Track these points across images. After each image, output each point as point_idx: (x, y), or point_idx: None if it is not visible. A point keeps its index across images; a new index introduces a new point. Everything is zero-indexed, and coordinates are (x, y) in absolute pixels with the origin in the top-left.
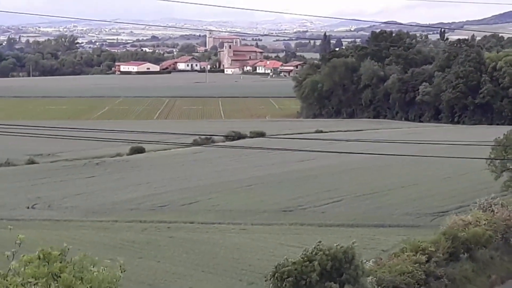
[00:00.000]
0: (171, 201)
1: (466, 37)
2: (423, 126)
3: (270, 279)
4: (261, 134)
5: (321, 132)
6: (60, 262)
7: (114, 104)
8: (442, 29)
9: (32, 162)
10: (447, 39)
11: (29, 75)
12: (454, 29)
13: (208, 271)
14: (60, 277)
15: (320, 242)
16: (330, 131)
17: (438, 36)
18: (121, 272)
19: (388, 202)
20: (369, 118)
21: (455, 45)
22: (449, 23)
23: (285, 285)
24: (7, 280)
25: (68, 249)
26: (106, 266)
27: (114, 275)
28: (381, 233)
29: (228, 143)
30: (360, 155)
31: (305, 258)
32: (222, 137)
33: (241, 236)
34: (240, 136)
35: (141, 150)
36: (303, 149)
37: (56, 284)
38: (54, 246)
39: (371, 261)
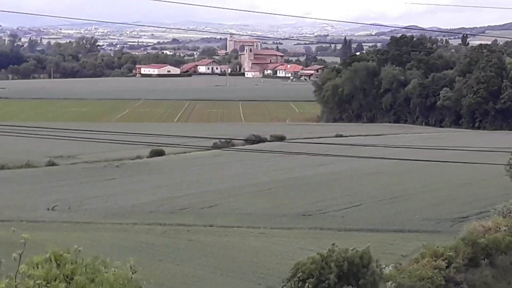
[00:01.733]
0: (191, 204)
1: (488, 42)
2: (444, 131)
3: (289, 281)
4: (281, 138)
5: (341, 136)
6: (72, 264)
7: (135, 107)
8: (464, 34)
9: (52, 164)
10: (468, 44)
11: (50, 77)
12: (475, 34)
13: (226, 275)
14: (73, 279)
15: (334, 244)
16: (350, 136)
17: (459, 41)
18: (132, 273)
19: (407, 207)
20: (389, 122)
21: (476, 50)
22: (470, 28)
23: (308, 286)
24: (18, 283)
25: (80, 250)
26: (117, 267)
27: (125, 276)
28: (401, 238)
29: (248, 146)
30: (380, 160)
31: (322, 258)
32: (242, 140)
33: (260, 240)
34: (260, 140)
35: (161, 153)
36: (323, 153)
37: (68, 287)
38: (65, 248)
39: (390, 266)
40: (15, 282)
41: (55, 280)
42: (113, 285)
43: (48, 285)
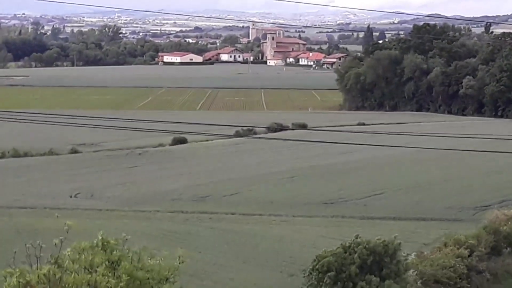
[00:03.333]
0: (213, 192)
1: (511, 31)
2: (466, 119)
3: (310, 274)
4: (303, 126)
5: (364, 124)
6: (118, 251)
7: (157, 95)
8: (487, 23)
9: (75, 152)
10: (491, 32)
11: (73, 65)
12: (498, 22)
13: (248, 262)
14: (119, 265)
15: (358, 235)
16: (373, 124)
17: (482, 29)
18: (180, 263)
19: (430, 196)
20: (411, 111)
21: (499, 38)
22: (493, 16)
23: (326, 280)
24: (60, 268)
25: (127, 239)
26: (164, 256)
27: (172, 265)
28: (423, 227)
29: (270, 134)
30: (403, 148)
31: (345, 249)
32: (264, 128)
33: (282, 227)
34: (282, 128)
35: (183, 141)
36: (345, 142)
37: (115, 273)
38: (113, 235)
39: (413, 254)
40: (55, 267)
41: (102, 266)
42: (160, 272)
43: (92, 270)
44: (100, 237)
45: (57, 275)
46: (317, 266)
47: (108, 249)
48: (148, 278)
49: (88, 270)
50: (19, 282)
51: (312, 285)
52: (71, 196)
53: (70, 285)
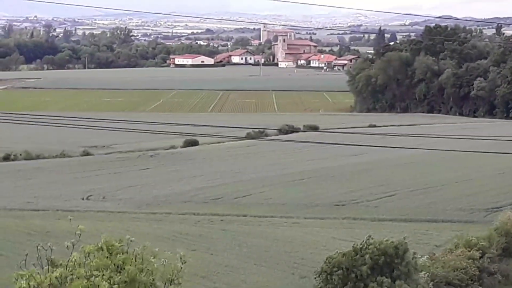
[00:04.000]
0: (224, 194)
1: None
2: (478, 121)
3: (319, 275)
4: (315, 128)
5: (375, 126)
6: (123, 254)
7: (169, 97)
8: (499, 24)
9: (87, 154)
10: (503, 33)
11: (84, 67)
12: (510, 24)
13: (260, 264)
14: (124, 269)
15: (370, 236)
16: (384, 126)
17: (493, 30)
18: (182, 263)
19: (441, 197)
20: (423, 112)
21: (510, 40)
22: (504, 17)
23: (334, 278)
24: (70, 271)
25: (131, 241)
26: (167, 258)
27: (175, 266)
28: (434, 228)
29: (281, 136)
30: (414, 150)
31: (356, 251)
32: (275, 130)
33: (294, 229)
34: (293, 130)
35: (195, 143)
36: (356, 144)
37: (120, 276)
38: (117, 237)
39: (425, 256)
40: (68, 271)
41: (107, 270)
42: (163, 275)
43: (99, 274)
44: (103, 240)
45: (68, 277)
46: (325, 267)
47: (114, 252)
48: (153, 280)
49: (93, 275)
50: (29, 284)
51: (321, 286)
52: (83, 199)
53: None
